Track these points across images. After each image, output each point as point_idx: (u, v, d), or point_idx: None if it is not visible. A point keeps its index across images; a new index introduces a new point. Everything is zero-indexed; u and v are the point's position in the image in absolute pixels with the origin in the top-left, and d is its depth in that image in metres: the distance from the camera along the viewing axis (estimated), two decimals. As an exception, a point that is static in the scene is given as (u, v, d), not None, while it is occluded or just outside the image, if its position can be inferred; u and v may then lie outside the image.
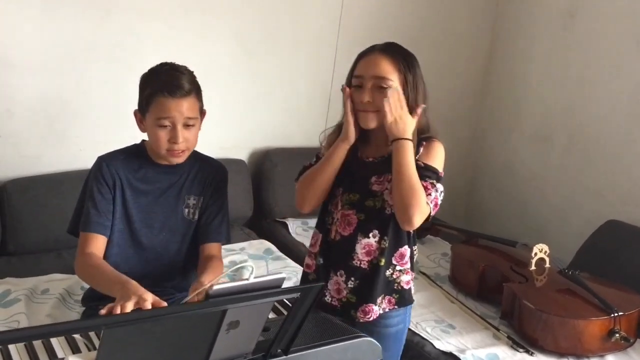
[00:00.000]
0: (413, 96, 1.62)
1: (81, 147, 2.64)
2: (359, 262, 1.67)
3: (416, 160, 1.59)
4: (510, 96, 3.56)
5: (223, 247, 2.69)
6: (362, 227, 1.66)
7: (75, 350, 1.24)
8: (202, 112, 1.75)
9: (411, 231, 1.68)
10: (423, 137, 1.67)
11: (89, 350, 1.24)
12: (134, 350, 1.02)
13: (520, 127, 3.50)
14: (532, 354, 2.14)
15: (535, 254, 2.52)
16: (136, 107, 1.72)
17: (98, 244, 1.68)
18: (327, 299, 1.72)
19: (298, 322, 1.19)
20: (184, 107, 1.64)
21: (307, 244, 2.87)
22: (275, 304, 1.50)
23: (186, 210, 1.79)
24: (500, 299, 2.38)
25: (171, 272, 1.80)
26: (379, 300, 1.67)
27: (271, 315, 1.43)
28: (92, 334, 1.29)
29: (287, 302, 1.50)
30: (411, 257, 1.71)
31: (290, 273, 2.52)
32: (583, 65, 3.12)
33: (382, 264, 1.66)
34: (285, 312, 1.47)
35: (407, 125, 1.58)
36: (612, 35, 2.98)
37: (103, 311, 1.31)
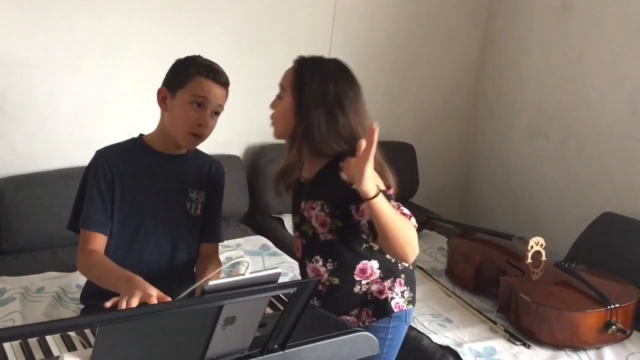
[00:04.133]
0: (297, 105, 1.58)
1: (75, 145, 2.62)
2: None
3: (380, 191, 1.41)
4: (505, 90, 3.55)
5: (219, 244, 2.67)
6: (306, 252, 1.67)
7: (71, 348, 1.23)
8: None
9: (369, 245, 1.60)
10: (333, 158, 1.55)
11: (85, 347, 1.24)
12: (130, 347, 1.01)
13: (515, 120, 3.50)
14: (529, 347, 2.15)
15: (532, 247, 2.52)
16: (161, 86, 1.74)
17: (99, 241, 1.67)
18: None
19: (295, 318, 1.18)
20: (220, 94, 1.71)
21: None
22: (272, 299, 1.49)
23: (189, 204, 1.77)
24: (497, 292, 2.38)
25: (173, 267, 1.78)
26: (354, 311, 1.65)
27: (268, 311, 1.43)
28: (87, 332, 1.28)
29: (283, 297, 1.50)
30: (381, 268, 1.63)
31: (287, 269, 2.51)
32: (577, 57, 3.12)
33: (337, 282, 1.63)
34: (282, 308, 1.47)
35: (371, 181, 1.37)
36: (605, 27, 2.98)
37: (108, 304, 1.31)
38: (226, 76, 1.75)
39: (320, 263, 1.63)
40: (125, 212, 1.71)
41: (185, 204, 1.77)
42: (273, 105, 1.65)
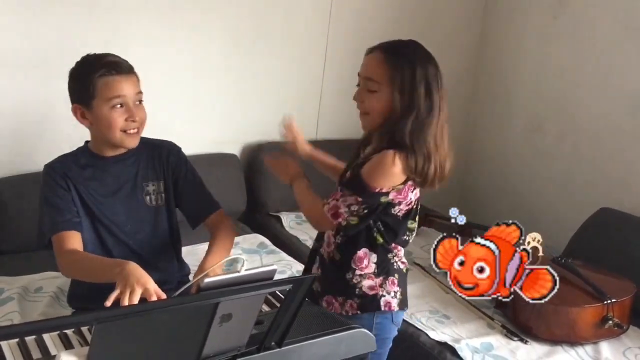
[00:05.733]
0: (399, 98, 1.53)
1: (72, 145, 2.60)
2: (323, 251, 1.70)
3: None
4: (502, 87, 3.56)
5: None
6: None
7: (68, 347, 1.24)
8: None
9: (375, 235, 1.63)
10: (388, 146, 1.55)
11: (82, 346, 1.24)
12: (126, 345, 1.02)
13: (512, 117, 3.50)
14: (526, 342, 2.15)
15: (529, 242, 2.52)
16: (73, 104, 1.69)
17: (75, 239, 1.64)
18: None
19: (291, 315, 1.19)
20: (132, 83, 1.66)
21: (301, 237, 2.88)
22: (269, 296, 1.50)
23: (147, 197, 1.77)
24: (494, 288, 2.38)
25: (146, 262, 1.71)
26: (340, 299, 1.66)
27: (265, 308, 1.43)
28: (84, 330, 1.29)
29: (280, 294, 1.50)
30: (378, 264, 1.64)
31: (285, 267, 2.52)
32: (574, 54, 3.13)
33: (338, 258, 1.66)
34: (278, 305, 1.47)
35: (289, 175, 1.74)
36: (602, 24, 2.98)
37: (109, 302, 1.30)
38: (126, 62, 1.68)
39: (333, 232, 1.66)
40: (88, 217, 1.71)
41: (144, 199, 1.77)
42: (362, 99, 1.59)
